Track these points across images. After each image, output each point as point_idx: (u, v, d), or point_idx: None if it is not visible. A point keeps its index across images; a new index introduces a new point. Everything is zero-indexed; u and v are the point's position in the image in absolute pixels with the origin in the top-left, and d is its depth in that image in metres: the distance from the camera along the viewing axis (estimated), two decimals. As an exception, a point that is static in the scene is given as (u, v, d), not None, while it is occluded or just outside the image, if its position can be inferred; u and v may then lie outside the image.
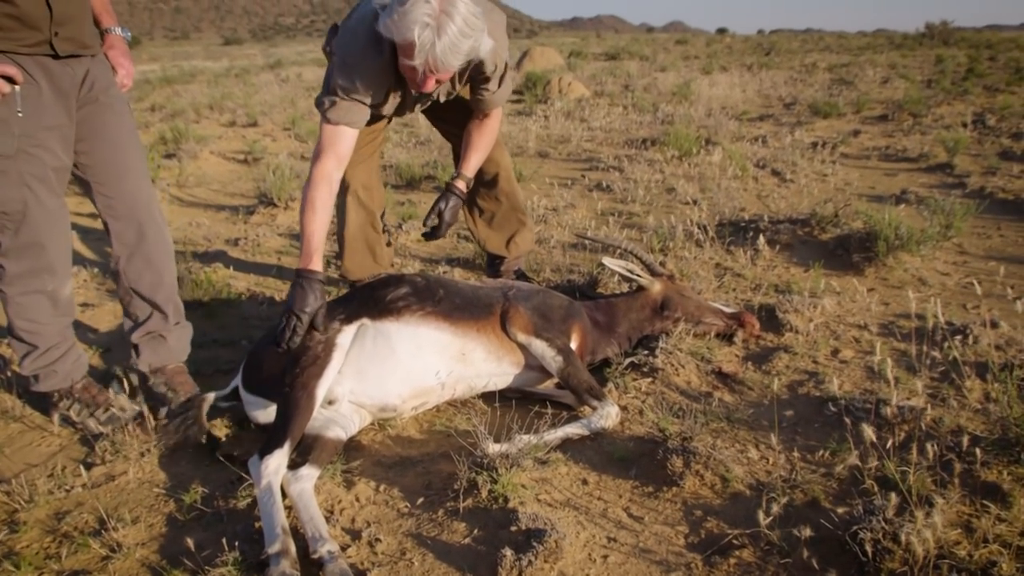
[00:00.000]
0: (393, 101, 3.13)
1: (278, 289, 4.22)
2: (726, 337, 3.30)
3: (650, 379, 2.97)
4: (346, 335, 2.66)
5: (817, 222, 4.67)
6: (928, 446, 2.13)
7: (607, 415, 2.62)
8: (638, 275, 3.28)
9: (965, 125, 9.25)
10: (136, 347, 3.02)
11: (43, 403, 2.95)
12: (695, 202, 5.78)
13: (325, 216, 2.77)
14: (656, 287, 3.30)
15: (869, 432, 2.03)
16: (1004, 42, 30.37)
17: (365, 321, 2.71)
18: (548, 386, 2.92)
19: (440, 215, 3.31)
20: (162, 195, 6.68)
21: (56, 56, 2.56)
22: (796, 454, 2.46)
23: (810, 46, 32.82)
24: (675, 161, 7.28)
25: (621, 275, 3.29)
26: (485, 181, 3.79)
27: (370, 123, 3.22)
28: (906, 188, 6.19)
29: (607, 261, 3.26)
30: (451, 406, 2.89)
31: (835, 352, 3.22)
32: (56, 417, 2.86)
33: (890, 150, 8.04)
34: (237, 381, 2.70)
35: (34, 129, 2.50)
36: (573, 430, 2.58)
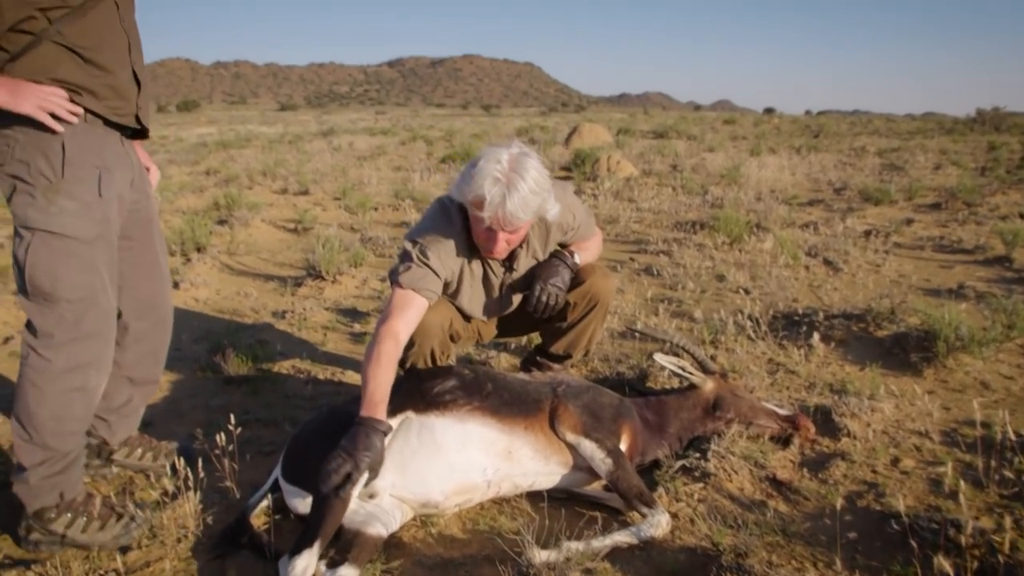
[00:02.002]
0: (469, 284, 3.17)
1: (322, 368, 4.20)
2: (780, 440, 3.19)
3: (702, 484, 2.86)
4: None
5: (873, 318, 4.56)
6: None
7: (657, 523, 2.52)
8: (690, 372, 3.20)
9: (1022, 216, 9.08)
10: (106, 421, 2.95)
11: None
12: (746, 291, 5.70)
13: (391, 371, 2.66)
14: (708, 385, 3.21)
15: (945, 565, 1.90)
16: (1061, 127, 30.09)
17: (410, 414, 2.66)
18: (596, 487, 2.83)
19: (543, 288, 3.16)
20: (212, 262, 6.77)
21: (140, 129, 2.64)
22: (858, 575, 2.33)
23: (858, 129, 32.79)
24: (725, 246, 7.21)
25: (673, 372, 3.21)
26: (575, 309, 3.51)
27: (463, 320, 3.29)
28: (963, 282, 6.05)
29: (659, 358, 3.18)
30: (495, 504, 2.80)
31: (895, 461, 3.09)
32: (34, 537, 2.52)
33: (945, 241, 7.89)
34: (277, 470, 2.64)
35: (110, 213, 2.50)
36: (622, 538, 2.48)
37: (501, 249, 2.94)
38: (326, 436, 2.57)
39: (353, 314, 5.26)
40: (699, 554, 2.42)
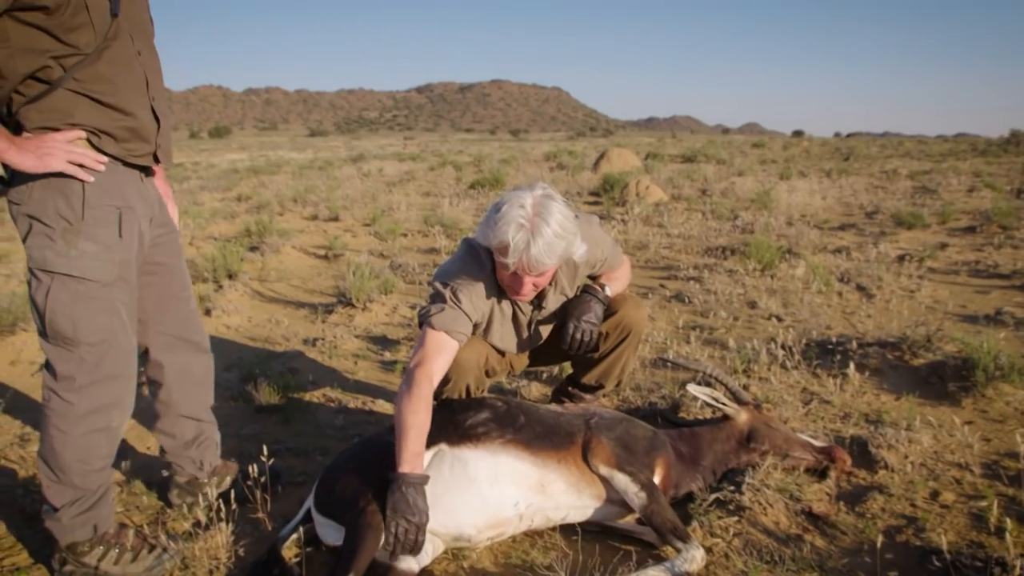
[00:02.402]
0: (500, 323, 3.17)
1: (353, 397, 4.20)
2: (816, 472, 3.14)
3: (736, 518, 2.81)
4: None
5: (908, 346, 4.49)
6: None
7: (692, 559, 2.48)
8: (724, 403, 3.17)
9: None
10: (187, 458, 2.96)
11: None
12: (778, 319, 5.64)
13: (428, 417, 2.64)
14: (743, 417, 3.17)
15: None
16: (1094, 150, 29.67)
17: (443, 447, 2.65)
18: (629, 521, 2.80)
19: (576, 326, 3.12)
20: (244, 289, 6.83)
21: (153, 165, 2.63)
22: (898, 615, 2.27)
23: (889, 151, 32.54)
24: (756, 272, 7.16)
25: (706, 403, 3.18)
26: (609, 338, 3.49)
27: (497, 355, 3.30)
28: (1001, 308, 5.94)
29: (692, 388, 3.16)
30: (528, 537, 2.78)
31: (935, 495, 3.02)
32: (68, 570, 2.51)
33: (980, 265, 7.78)
34: (310, 502, 2.64)
35: (130, 254, 2.47)
36: (656, 574, 2.45)
37: (528, 292, 2.96)
38: (359, 468, 2.57)
39: (383, 342, 5.27)
40: (735, 591, 2.38)
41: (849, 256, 8.12)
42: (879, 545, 2.61)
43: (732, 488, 2.94)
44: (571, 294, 3.26)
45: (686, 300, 6.29)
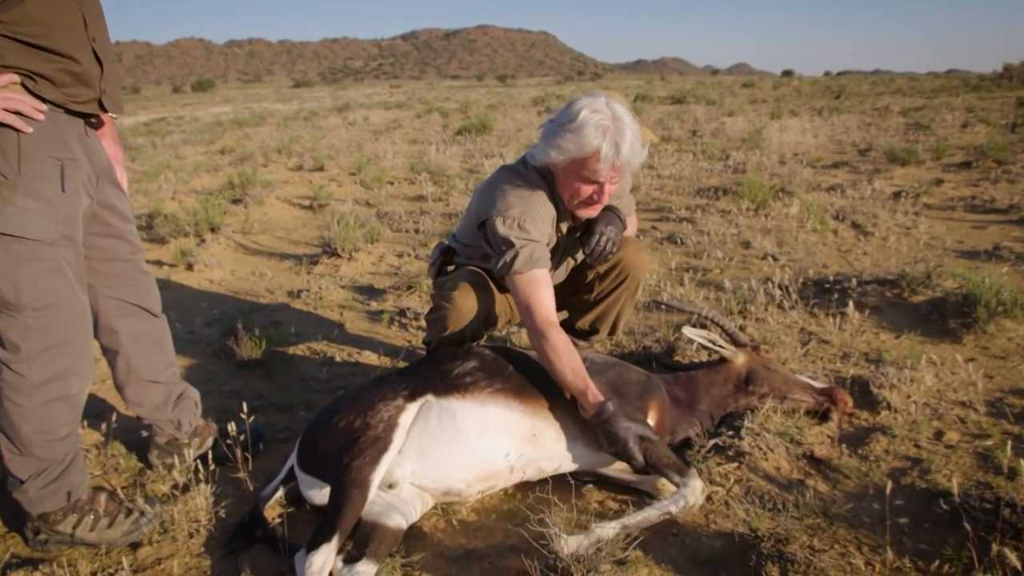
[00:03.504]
0: (553, 252, 3.05)
1: (339, 348, 4.07)
2: (816, 415, 3.04)
3: (736, 464, 2.72)
4: (408, 413, 2.48)
5: (908, 283, 4.37)
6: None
7: (692, 490, 2.37)
8: (721, 346, 3.05)
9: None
10: (164, 420, 2.83)
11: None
12: (773, 258, 5.53)
13: (575, 356, 2.59)
14: (740, 359, 3.06)
15: (1011, 556, 1.76)
16: (1086, 83, 29.42)
17: (429, 398, 2.53)
18: (625, 469, 2.69)
19: (602, 233, 3.01)
20: (227, 242, 6.67)
21: (101, 117, 2.47)
22: (907, 562, 2.19)
23: (881, 88, 32.18)
24: (749, 212, 7.02)
25: (703, 345, 3.06)
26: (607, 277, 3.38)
27: (503, 299, 3.21)
28: (998, 243, 5.84)
29: (688, 331, 3.04)
30: (520, 489, 2.67)
31: (939, 435, 2.93)
32: (41, 538, 2.40)
33: (976, 200, 7.66)
34: (293, 459, 2.53)
35: (75, 210, 2.28)
36: (656, 512, 2.34)
37: (605, 201, 2.84)
38: (344, 422, 2.45)
39: (370, 291, 5.14)
40: (736, 540, 2.29)
41: (843, 194, 7.99)
42: (880, 484, 2.54)
43: (731, 433, 2.84)
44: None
45: (679, 241, 6.16)
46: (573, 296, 3.39)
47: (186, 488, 2.57)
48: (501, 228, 2.76)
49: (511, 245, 2.73)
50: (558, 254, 3.11)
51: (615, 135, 2.62)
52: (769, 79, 55.67)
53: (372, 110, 26.00)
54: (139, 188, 9.58)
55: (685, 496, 2.37)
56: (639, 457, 2.38)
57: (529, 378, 2.64)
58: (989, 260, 5.43)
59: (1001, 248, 5.67)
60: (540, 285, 2.72)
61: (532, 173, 2.88)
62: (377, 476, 2.31)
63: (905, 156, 10.23)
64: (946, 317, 4.02)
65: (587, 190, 2.78)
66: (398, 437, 2.42)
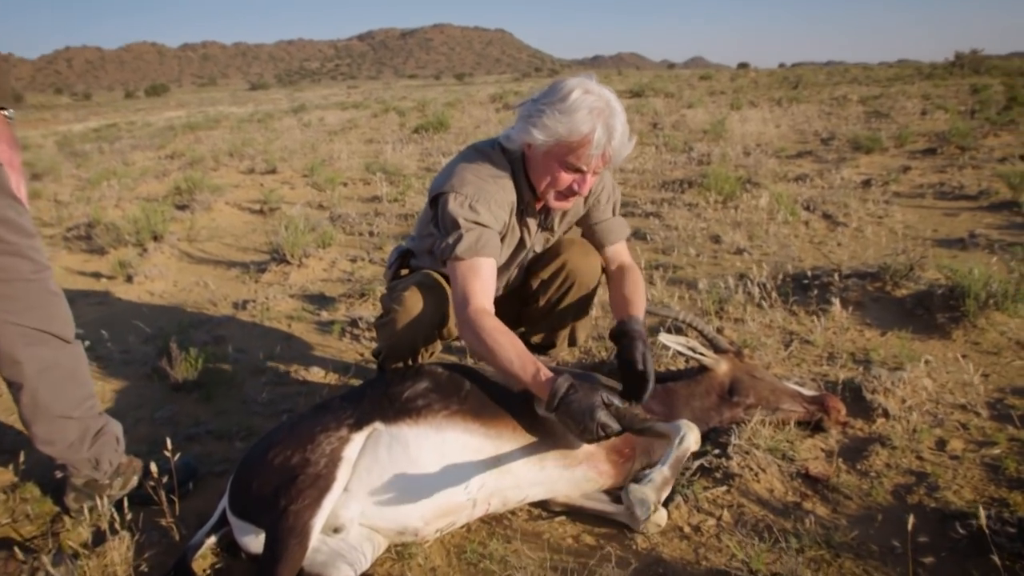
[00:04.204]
0: (506, 246, 2.73)
1: (286, 365, 3.73)
2: (808, 426, 2.78)
3: (725, 487, 2.44)
4: (354, 445, 2.17)
5: (890, 276, 4.14)
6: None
7: (685, 440, 2.13)
8: (701, 353, 2.78)
9: (1023, 157, 8.70)
10: (90, 460, 2.48)
11: None
12: (747, 252, 5.29)
13: (516, 340, 2.30)
14: (723, 367, 2.79)
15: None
16: (1034, 69, 29.84)
17: (377, 426, 2.22)
18: (598, 497, 2.40)
19: (645, 365, 2.46)
20: (170, 251, 6.28)
21: None
22: (923, 597, 1.93)
23: (837, 78, 32.30)
24: (717, 205, 6.78)
25: (681, 353, 2.79)
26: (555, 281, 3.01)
27: None
28: (973, 230, 5.67)
29: (664, 338, 2.75)
30: (484, 524, 2.38)
31: (941, 444, 2.69)
32: None
33: (945, 187, 7.51)
34: (225, 502, 2.20)
35: None
36: (678, 454, 2.12)
37: (587, 188, 2.53)
38: (279, 457, 2.13)
39: (320, 300, 4.80)
40: (732, 579, 2.01)
41: (811, 183, 7.79)
42: (887, 505, 2.29)
43: (717, 452, 2.57)
44: (580, 209, 2.86)
45: (646, 237, 5.89)
46: (524, 307, 3.07)
47: (102, 538, 2.23)
48: (451, 205, 2.45)
49: (457, 227, 2.43)
50: (519, 252, 2.81)
51: (608, 120, 2.35)
52: (726, 72, 55.80)
53: (328, 111, 25.49)
54: (81, 196, 9.12)
55: (683, 431, 2.14)
56: (614, 424, 2.08)
57: (489, 396, 2.35)
58: (965, 248, 5.24)
59: (977, 236, 5.49)
60: (481, 274, 2.41)
61: (499, 155, 2.59)
62: (318, 521, 2.00)
63: (869, 144, 10.11)
64: (933, 311, 3.79)
65: (567, 179, 2.48)
66: (343, 473, 2.10)
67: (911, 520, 1.82)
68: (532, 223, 2.75)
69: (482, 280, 2.41)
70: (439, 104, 23.85)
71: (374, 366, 3.44)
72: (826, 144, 11.24)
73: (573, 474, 2.32)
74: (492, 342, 2.26)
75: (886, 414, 2.86)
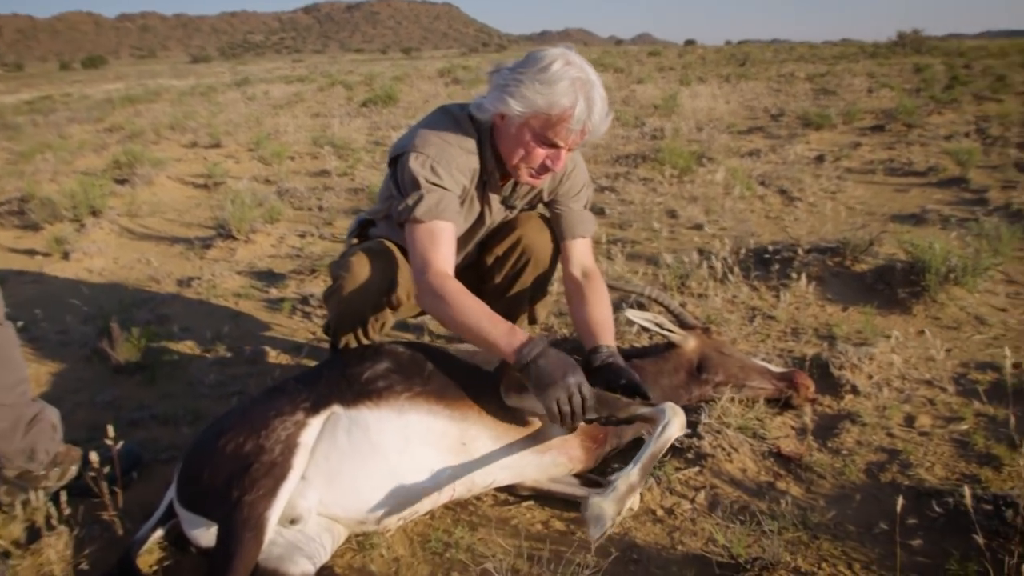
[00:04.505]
0: (465, 217, 2.58)
1: (234, 344, 3.57)
2: (778, 403, 2.73)
3: (697, 468, 2.37)
4: (311, 430, 2.04)
5: (850, 251, 4.12)
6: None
7: (670, 409, 1.99)
8: (669, 329, 2.70)
9: (968, 135, 8.82)
10: (24, 451, 2.30)
11: None
12: (702, 226, 5.24)
13: (476, 300, 2.17)
14: (691, 343, 2.72)
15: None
16: (973, 50, 30.49)
17: (336, 409, 2.09)
18: (567, 480, 2.32)
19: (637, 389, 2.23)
20: (110, 227, 6.01)
21: None
22: (903, 579, 1.88)
23: (783, 56, 32.60)
24: (673, 179, 6.73)
25: (645, 329, 2.71)
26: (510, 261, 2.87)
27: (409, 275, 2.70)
28: (924, 206, 5.71)
29: (631, 314, 2.67)
30: (449, 511, 2.28)
31: (910, 420, 2.66)
32: None
33: (895, 163, 7.58)
34: (172, 492, 2.06)
35: None
36: (659, 443, 1.94)
37: (558, 169, 2.40)
38: (232, 444, 1.99)
39: (269, 277, 4.63)
40: (709, 565, 1.94)
41: (765, 159, 7.80)
42: (859, 483, 2.24)
43: (688, 431, 2.50)
44: (545, 198, 2.71)
45: (604, 211, 5.80)
46: (481, 284, 2.94)
47: (39, 534, 2.08)
48: (412, 164, 2.31)
49: (417, 186, 2.29)
50: (478, 227, 2.68)
51: (589, 93, 2.23)
52: (673, 48, 55.89)
53: (273, 84, 24.90)
54: (12, 170, 8.73)
55: (667, 417, 1.98)
56: (585, 397, 1.99)
57: (453, 376, 2.23)
58: (919, 224, 5.27)
59: (928, 211, 5.53)
60: (441, 238, 2.28)
61: (467, 121, 2.44)
62: (274, 513, 1.87)
63: (819, 120, 10.17)
64: (894, 286, 3.77)
65: (541, 154, 2.34)
66: (299, 460, 1.98)
67: (900, 502, 1.77)
68: (495, 199, 2.62)
69: (442, 244, 2.28)
70: (387, 78, 23.47)
71: (327, 345, 3.30)
72: (776, 120, 11.30)
73: (543, 460, 2.23)
74: (458, 304, 2.13)
75: (854, 390, 2.82)
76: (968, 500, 1.75)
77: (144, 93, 23.24)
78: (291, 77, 29.43)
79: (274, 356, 3.42)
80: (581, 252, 2.65)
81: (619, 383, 2.17)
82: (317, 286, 4.35)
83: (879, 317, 3.56)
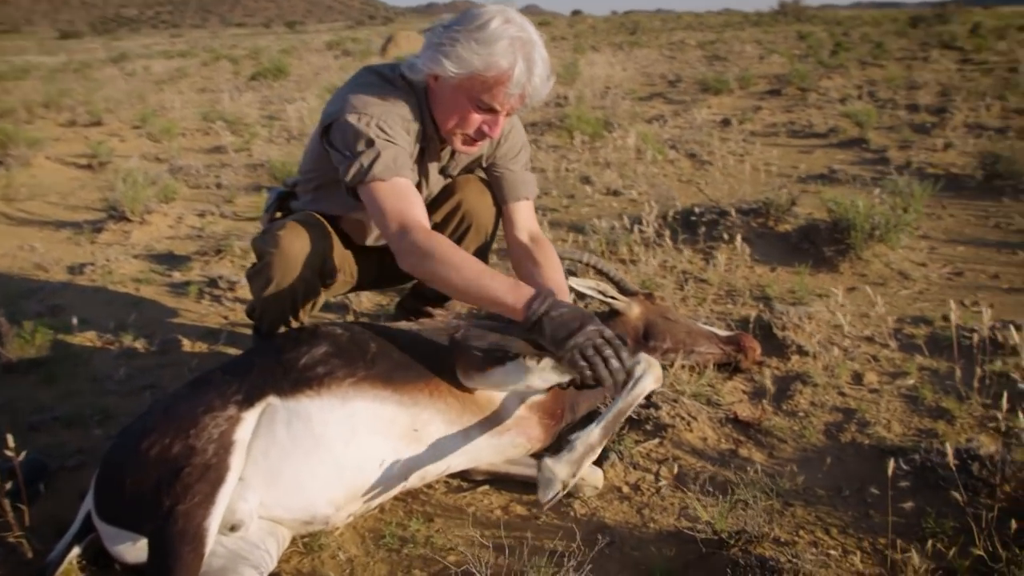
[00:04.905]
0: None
1: (139, 334, 3.28)
2: (728, 367, 2.66)
3: (658, 440, 2.28)
4: (245, 425, 1.83)
5: (773, 211, 4.11)
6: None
7: (640, 383, 1.84)
8: (613, 296, 2.60)
9: (860, 98, 9.07)
10: None
11: None
12: (619, 192, 5.18)
13: (466, 255, 1.98)
14: (635, 310, 2.62)
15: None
16: (848, 19, 31.74)
17: (272, 400, 1.89)
18: (525, 462, 2.18)
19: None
20: (-15, 213, 5.53)
21: None
22: (882, 540, 1.82)
23: (672, 24, 33.15)
24: (584, 146, 6.64)
25: (585, 296, 2.59)
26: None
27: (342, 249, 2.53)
28: (831, 166, 5.82)
29: (574, 283, 2.54)
30: (400, 502, 2.11)
31: (858, 378, 2.64)
32: None
33: (796, 126, 7.75)
34: (89, 504, 1.83)
35: None
36: (628, 400, 1.82)
37: (496, 135, 2.21)
38: (158, 446, 1.76)
39: (170, 260, 4.31)
40: (687, 540, 1.84)
41: (670, 124, 7.82)
42: (821, 445, 2.20)
43: (643, 402, 2.40)
44: (484, 164, 2.52)
45: (517, 182, 5.67)
46: None
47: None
48: (357, 124, 2.10)
49: (371, 144, 2.08)
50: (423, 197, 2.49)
51: (529, 54, 2.05)
52: (561, 19, 55.97)
53: (153, 60, 23.73)
54: None
55: (642, 369, 1.85)
56: (607, 339, 1.80)
57: (400, 357, 2.05)
58: (829, 183, 5.35)
59: (836, 171, 5.64)
60: (409, 193, 2.09)
61: (401, 82, 2.24)
62: (214, 521, 1.67)
63: (717, 86, 10.30)
64: (819, 245, 3.78)
65: (477, 119, 2.16)
66: (236, 460, 1.77)
67: (891, 465, 1.70)
68: (433, 168, 2.44)
69: (414, 199, 2.09)
70: (273, 52, 22.69)
71: (247, 330, 3.08)
72: (674, 86, 11.40)
73: (500, 442, 2.07)
74: (453, 261, 1.94)
75: (800, 351, 2.78)
76: (951, 459, 1.70)
77: (10, 70, 21.70)
78: (171, 52, 28.17)
79: (187, 345, 3.16)
80: (526, 215, 2.50)
81: None
82: (224, 267, 4.07)
83: (808, 276, 3.55)
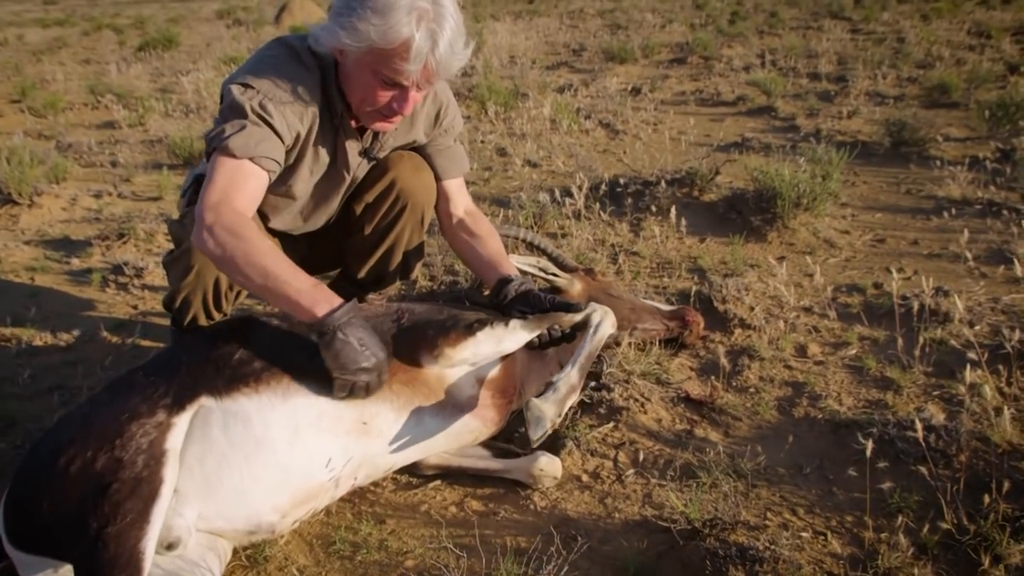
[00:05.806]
0: (309, 169, 2.18)
1: (40, 330, 3.01)
2: (673, 344, 2.61)
3: (612, 424, 2.20)
4: (177, 431, 1.66)
5: (697, 181, 4.08)
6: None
7: (600, 328, 1.99)
8: (554, 273, 2.51)
9: (763, 66, 9.19)
10: None
11: None
12: (536, 164, 5.08)
13: (273, 246, 1.86)
14: (576, 287, 2.54)
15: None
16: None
17: (205, 402, 1.72)
18: (479, 453, 2.07)
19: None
20: None
21: None
22: (849, 518, 1.79)
23: (570, -8, 33.05)
24: (495, 117, 6.51)
25: (535, 276, 2.49)
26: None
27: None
28: (743, 134, 5.84)
29: (515, 260, 2.43)
30: (348, 503, 1.98)
31: (802, 350, 2.62)
32: None
33: (704, 94, 7.77)
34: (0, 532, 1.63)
35: None
36: (593, 343, 1.97)
37: (409, 108, 2.03)
38: (79, 465, 1.58)
39: (67, 245, 4.00)
40: (656, 529, 1.77)
41: (581, 94, 7.74)
42: (774, 421, 2.16)
43: (593, 384, 2.32)
44: (422, 141, 2.36)
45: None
46: (348, 239, 2.58)
47: None
48: (239, 95, 1.93)
49: (243, 115, 1.91)
50: (337, 182, 2.33)
51: (432, 24, 1.87)
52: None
53: (26, 28, 22.31)
54: None
55: (600, 317, 2.01)
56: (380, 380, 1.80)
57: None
58: (743, 152, 5.35)
59: (749, 139, 5.65)
60: (250, 183, 1.92)
61: (308, 55, 2.06)
62: (150, 541, 1.50)
63: (622, 55, 10.26)
64: (746, 215, 3.77)
65: (384, 96, 1.99)
66: (170, 471, 1.60)
67: (870, 446, 1.66)
68: (352, 147, 2.26)
69: (250, 188, 1.92)
70: (160, 21, 21.65)
71: (161, 322, 2.86)
72: (578, 55, 11.33)
73: (454, 427, 1.95)
74: (256, 246, 1.78)
75: (743, 324, 2.75)
76: (920, 433, 1.66)
77: None
78: (47, 20, 26.54)
79: (97, 339, 2.91)
80: (460, 192, 2.42)
81: (547, 306, 2.04)
82: (129, 252, 3.80)
83: (737, 246, 3.53)
